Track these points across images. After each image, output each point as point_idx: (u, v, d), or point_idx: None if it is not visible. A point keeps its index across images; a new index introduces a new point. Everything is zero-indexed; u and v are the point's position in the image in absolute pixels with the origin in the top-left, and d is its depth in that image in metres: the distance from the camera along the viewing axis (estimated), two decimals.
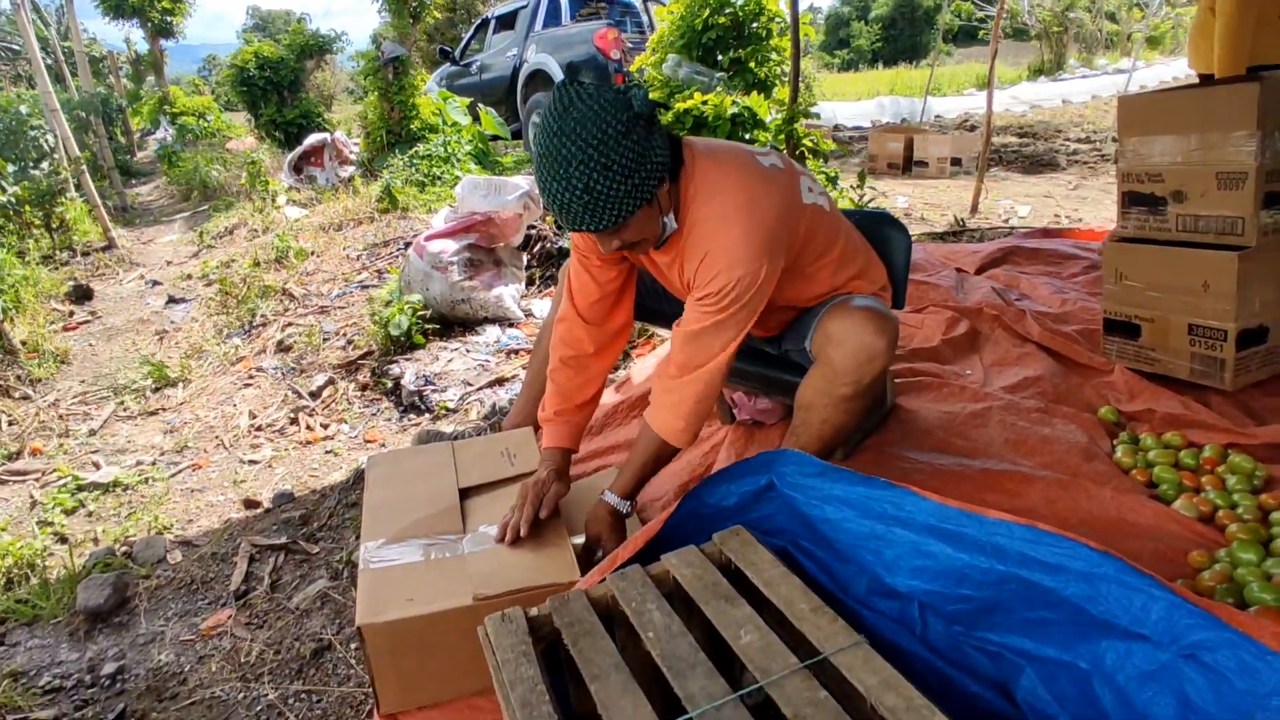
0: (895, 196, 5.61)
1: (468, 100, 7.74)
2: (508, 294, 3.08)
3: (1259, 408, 1.99)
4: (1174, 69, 17.65)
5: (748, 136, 2.83)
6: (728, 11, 3.18)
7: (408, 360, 2.86)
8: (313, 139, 7.41)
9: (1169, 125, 2.02)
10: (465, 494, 1.59)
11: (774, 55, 3.20)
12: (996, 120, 12.49)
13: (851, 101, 15.78)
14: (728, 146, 1.58)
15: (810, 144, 2.99)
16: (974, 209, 4.84)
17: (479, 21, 9.65)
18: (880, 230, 1.87)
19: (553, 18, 7.95)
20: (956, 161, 6.68)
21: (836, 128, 10.99)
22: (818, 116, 3.14)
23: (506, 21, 8.77)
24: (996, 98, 16.19)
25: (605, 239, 1.36)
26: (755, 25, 3.19)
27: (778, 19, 3.17)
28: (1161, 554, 1.50)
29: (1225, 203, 1.94)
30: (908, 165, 6.87)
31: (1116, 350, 2.25)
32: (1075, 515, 1.60)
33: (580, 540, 1.52)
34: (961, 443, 1.86)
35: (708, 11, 3.14)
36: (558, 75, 7.28)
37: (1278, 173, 1.89)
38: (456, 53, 9.38)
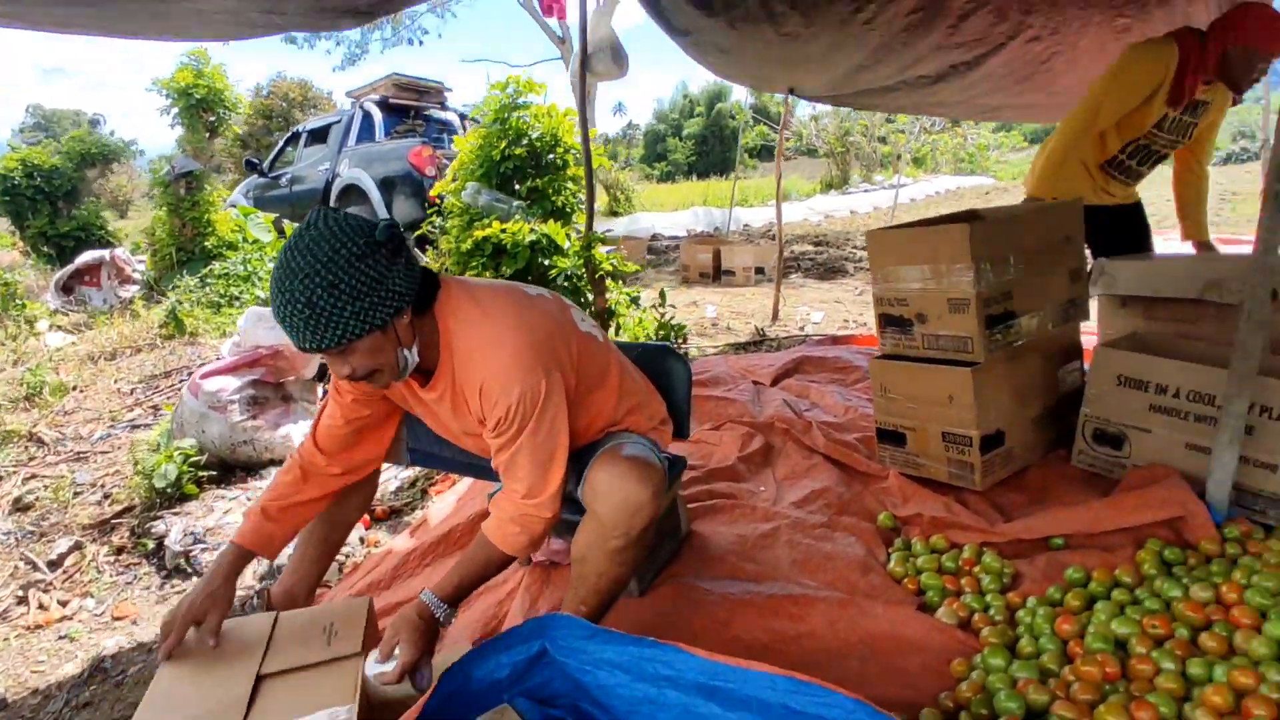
0: (706, 305, 5.94)
1: (273, 215, 7.44)
2: (297, 433, 2.87)
3: (1006, 504, 2.21)
4: (937, 184, 20.50)
5: (546, 263, 2.90)
6: (524, 143, 3.30)
7: (175, 515, 2.54)
8: (87, 256, 6.74)
9: (908, 257, 2.28)
10: (263, 681, 1.36)
11: (570, 184, 3.34)
12: (795, 229, 13.76)
13: (669, 212, 16.81)
14: (489, 280, 1.61)
15: (610, 267, 3.11)
16: (775, 316, 5.22)
17: (290, 134, 9.44)
18: (662, 362, 1.93)
19: (367, 133, 7.94)
20: (760, 270, 7.24)
21: (654, 237, 11.63)
22: (617, 241, 3.28)
23: (319, 135, 8.64)
24: (795, 209, 17.91)
25: (334, 362, 1.33)
26: (552, 155, 3.33)
27: (573, 150, 3.33)
28: (929, 666, 1.58)
29: (957, 324, 2.19)
30: (717, 274, 7.35)
31: (889, 457, 2.44)
32: (855, 633, 1.66)
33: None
34: (752, 567, 1.90)
35: (504, 143, 3.24)
36: (372, 190, 7.21)
37: (994, 299, 2.17)
38: (265, 164, 9.07)
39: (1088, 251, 2.66)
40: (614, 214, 15.23)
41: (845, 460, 2.50)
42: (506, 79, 3.28)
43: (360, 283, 1.24)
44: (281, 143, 9.36)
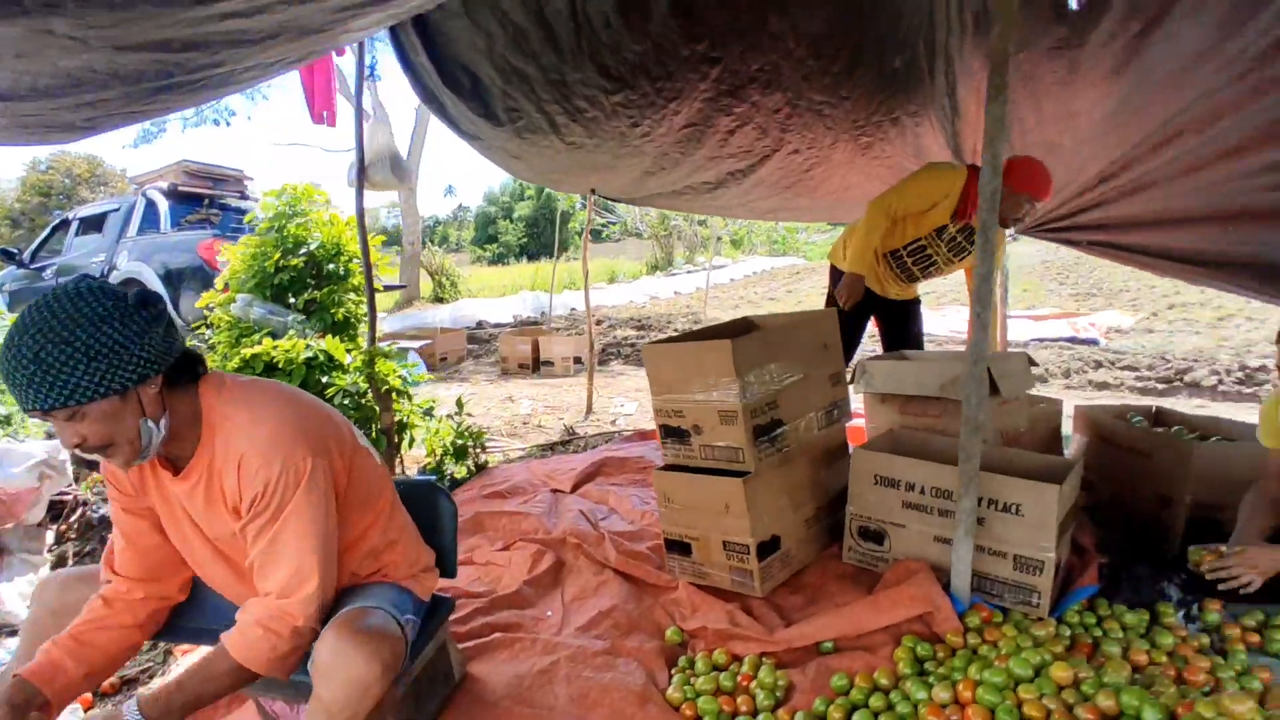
0: (522, 400, 5.86)
1: None
2: (11, 591, 2.43)
3: (786, 606, 2.26)
4: (753, 264, 21.98)
5: (325, 380, 2.72)
6: (303, 252, 3.13)
7: None
8: None
9: (681, 370, 2.34)
10: None
11: (353, 294, 3.20)
12: (621, 312, 14.13)
13: (497, 298, 16.76)
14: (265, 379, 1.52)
15: (398, 382, 2.97)
16: (589, 410, 5.23)
17: (57, 221, 8.48)
18: (429, 499, 1.83)
19: (151, 222, 7.29)
20: (579, 359, 7.29)
21: (479, 325, 11.48)
22: (404, 353, 3.15)
23: (94, 223, 7.85)
24: (622, 291, 18.38)
25: (63, 429, 1.19)
26: (333, 265, 3.18)
27: (357, 258, 3.20)
28: None
29: (728, 435, 2.27)
30: (536, 364, 7.32)
31: (678, 567, 2.44)
32: None
33: None
34: (527, 711, 1.79)
35: (280, 253, 3.05)
36: (154, 284, 6.59)
37: (760, 409, 2.27)
38: (27, 254, 8.08)
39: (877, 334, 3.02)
40: (439, 300, 14.94)
41: (636, 574, 2.48)
42: (283, 186, 3.12)
43: (98, 343, 1.16)
44: (47, 230, 8.40)
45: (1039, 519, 2.03)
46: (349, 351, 2.85)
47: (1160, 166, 3.29)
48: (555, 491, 3.23)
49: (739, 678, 1.91)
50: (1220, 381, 5.26)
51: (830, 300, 3.36)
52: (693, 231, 24.28)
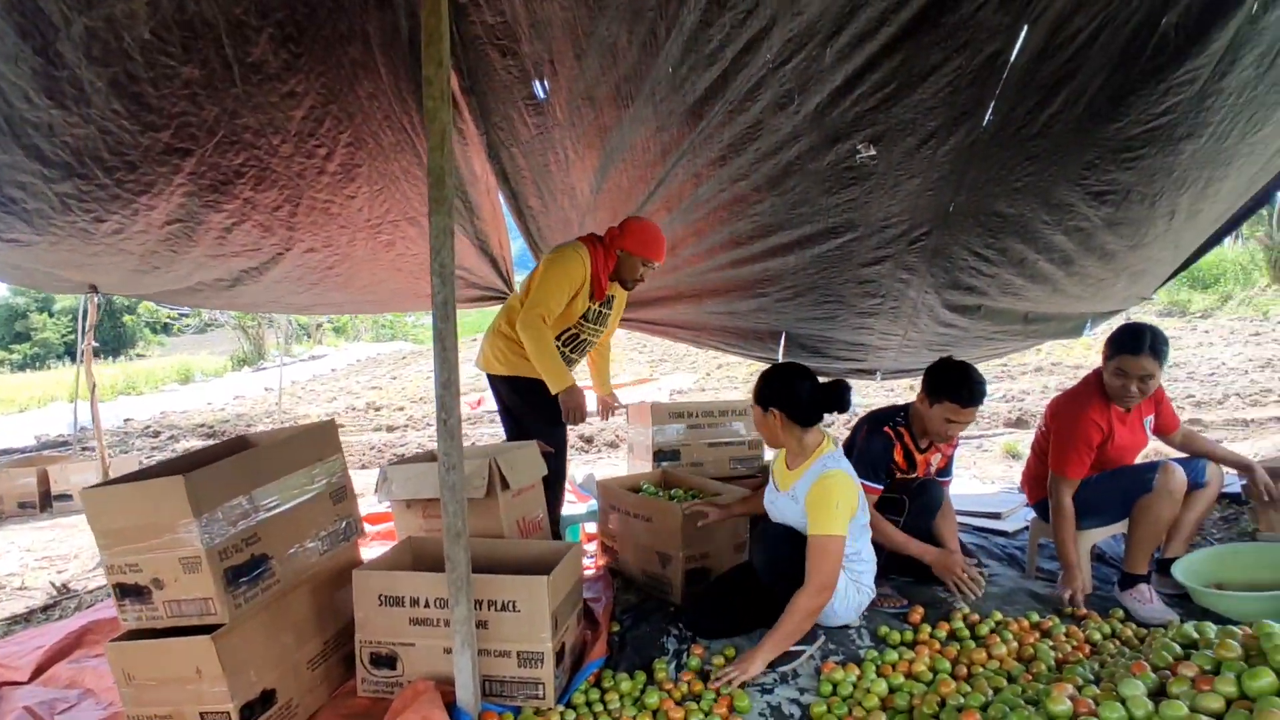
0: (4, 554, 4.56)
1: None
2: None
3: None
4: (357, 352, 20.93)
5: None
6: None
7: None
8: None
9: (133, 515, 1.95)
10: None
11: None
12: (193, 418, 12.24)
13: (17, 413, 13.34)
14: None
15: None
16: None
17: None
18: None
19: None
20: None
21: None
22: None
23: None
24: (199, 392, 16.04)
25: None
26: None
27: None
28: None
29: (195, 586, 1.93)
30: (46, 502, 5.83)
31: None
32: None
33: None
34: None
35: None
36: None
37: (234, 548, 1.98)
38: None
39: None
40: None
41: None
42: None
43: None
44: None
45: (532, 612, 2.08)
46: None
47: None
48: (2, 685, 2.47)
49: None
50: None
51: (534, 416, 3.19)
52: (288, 319, 22.40)
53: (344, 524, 2.39)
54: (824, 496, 2.28)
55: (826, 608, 2.37)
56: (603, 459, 7.60)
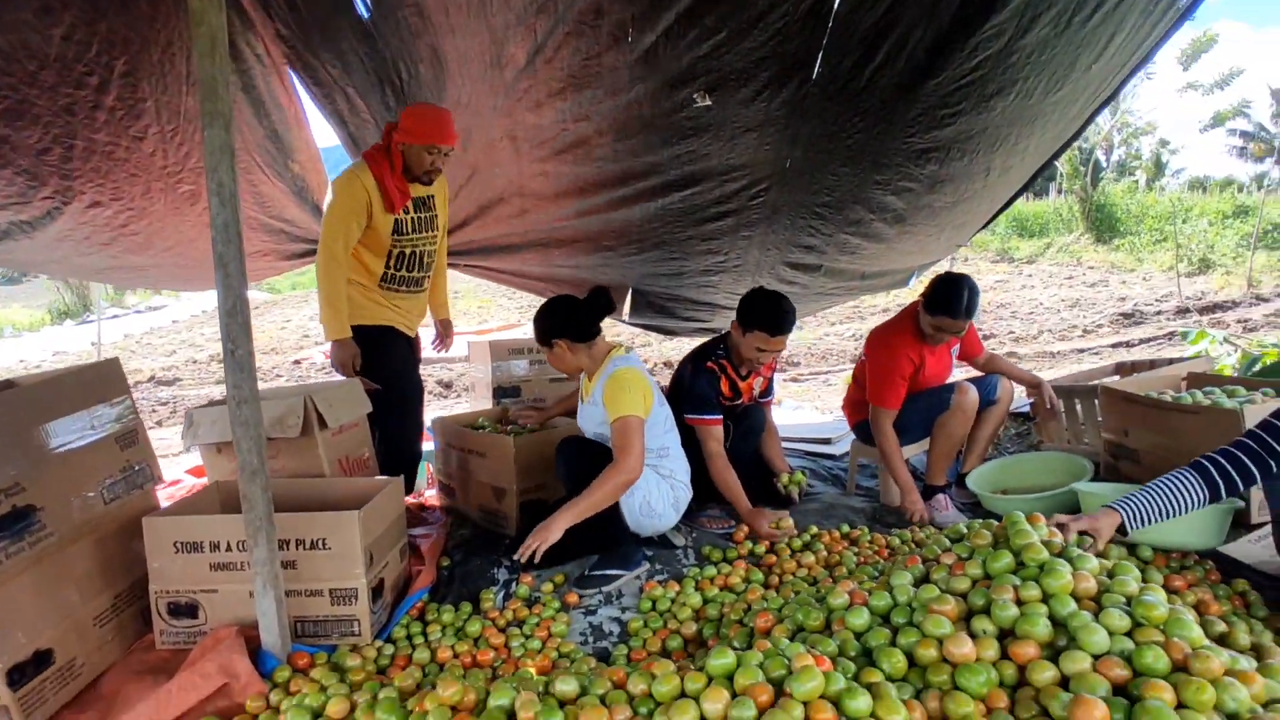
0: None
1: None
2: None
3: None
4: (202, 302, 19.33)
5: None
6: None
7: None
8: None
9: None
10: None
11: None
12: None
13: None
14: None
15: None
16: None
17: None
18: None
19: None
20: None
21: None
22: None
23: None
24: (11, 346, 14.32)
25: None
26: None
27: None
28: None
29: None
30: None
31: None
32: None
33: None
34: None
35: None
36: None
37: None
38: None
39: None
40: None
41: None
42: None
43: None
44: None
45: (344, 549, 2.02)
46: None
47: (503, 207, 3.77)
48: None
49: None
50: None
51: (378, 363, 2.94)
52: None
53: (134, 470, 2.20)
54: (616, 387, 2.38)
55: (646, 508, 2.49)
56: (461, 402, 7.46)
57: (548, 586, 2.42)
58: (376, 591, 2.12)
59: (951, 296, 2.87)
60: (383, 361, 2.93)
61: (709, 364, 2.96)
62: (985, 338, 10.31)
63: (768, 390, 3.22)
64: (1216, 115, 17.17)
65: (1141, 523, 1.83)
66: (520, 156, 3.34)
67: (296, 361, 11.18)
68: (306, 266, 4.25)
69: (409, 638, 2.13)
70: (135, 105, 2.55)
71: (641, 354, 9.14)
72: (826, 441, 4.14)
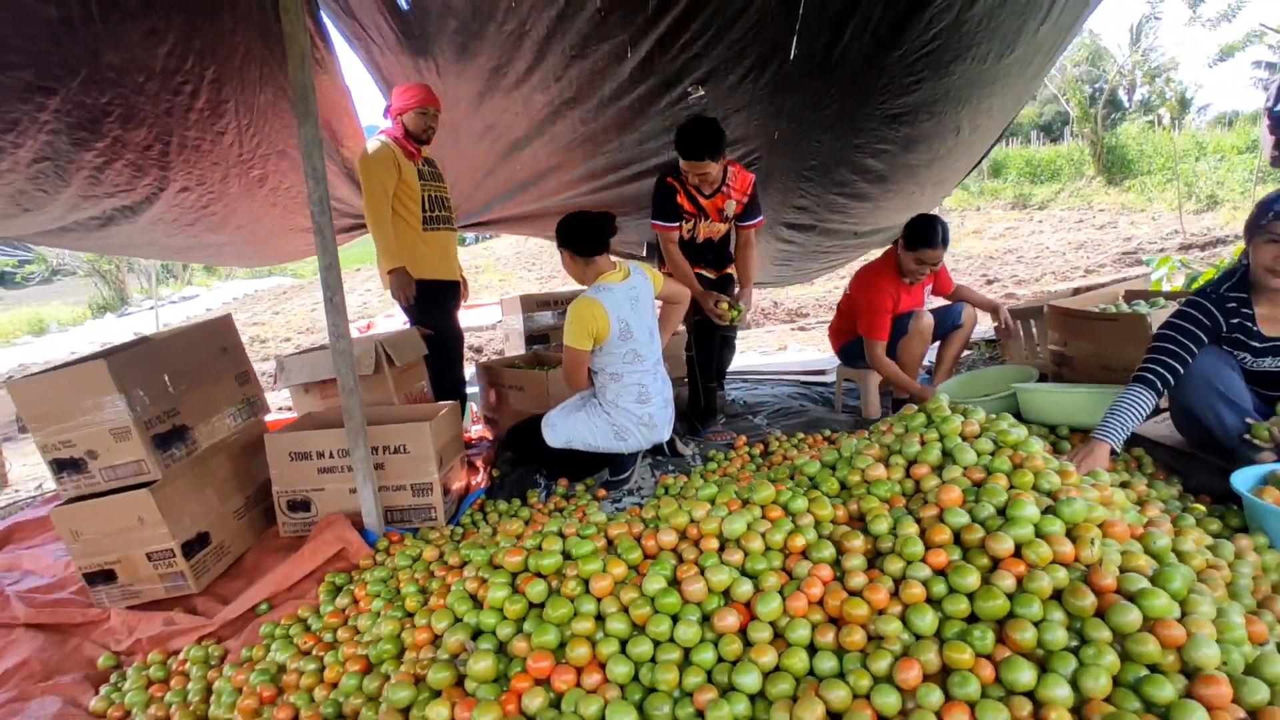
0: None
1: None
2: None
3: (229, 593, 2.42)
4: (233, 289, 20.07)
5: None
6: None
7: None
8: None
9: (60, 399, 2.27)
10: None
11: None
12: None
13: None
14: None
15: None
16: (3, 484, 4.42)
17: None
18: None
19: None
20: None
21: None
22: None
23: None
24: (57, 343, 15.13)
25: None
26: None
27: None
28: None
29: (127, 451, 2.30)
30: None
31: (106, 597, 2.40)
32: None
33: None
34: None
35: None
36: None
37: (158, 419, 2.36)
38: None
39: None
40: None
41: (58, 619, 2.35)
42: None
43: None
44: None
45: (420, 452, 2.58)
46: None
47: (524, 195, 4.30)
48: None
49: (175, 665, 2.04)
50: None
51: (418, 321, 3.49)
52: (152, 261, 21.04)
53: (250, 403, 2.78)
54: (571, 315, 2.67)
55: (592, 445, 2.85)
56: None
57: (580, 487, 2.96)
58: (445, 488, 2.68)
59: (927, 231, 3.32)
60: (433, 314, 3.48)
61: (669, 179, 3.38)
62: (990, 281, 10.67)
63: (746, 212, 3.50)
64: (1223, 48, 17.01)
65: (1121, 439, 2.21)
66: (537, 154, 3.88)
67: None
68: (350, 242, 4.78)
69: (473, 522, 2.70)
70: (219, 106, 3.08)
71: None
72: (821, 373, 4.65)
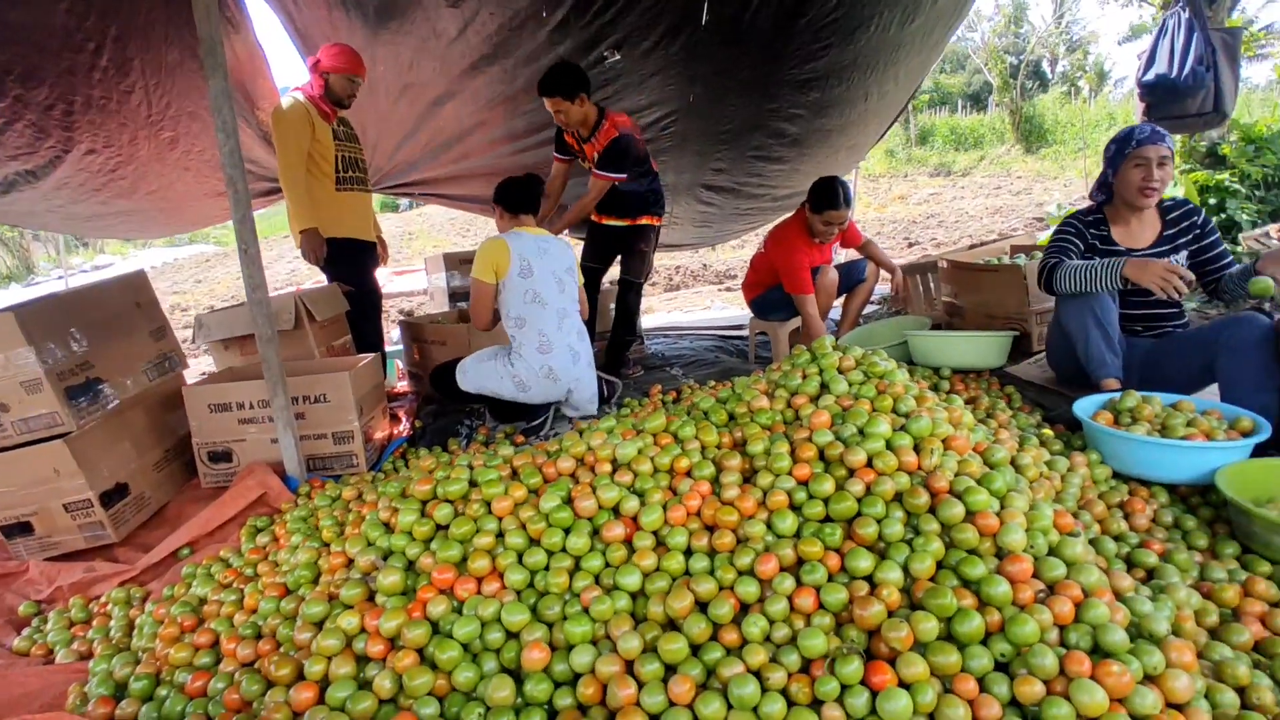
0: None
1: None
2: None
3: (151, 541, 2.48)
4: (149, 257, 19.23)
5: None
6: None
7: None
8: None
9: None
10: None
11: None
12: None
13: None
14: None
15: None
16: None
17: None
18: None
19: None
20: None
21: None
22: None
23: None
24: None
25: None
26: None
27: None
28: (50, 703, 1.74)
29: (40, 403, 2.32)
30: None
31: (24, 549, 2.43)
32: None
33: None
34: None
35: None
36: None
37: (71, 371, 2.38)
38: None
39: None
40: None
41: None
42: None
43: None
44: None
45: (340, 401, 2.66)
46: None
47: (448, 153, 4.31)
48: None
49: (96, 606, 2.11)
50: None
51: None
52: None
53: (167, 357, 2.81)
54: (478, 252, 2.88)
55: (499, 392, 2.97)
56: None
57: (500, 434, 3.09)
58: (367, 436, 2.77)
59: (830, 194, 3.51)
60: (350, 272, 3.52)
61: (564, 135, 3.63)
62: (911, 245, 11.09)
63: (598, 163, 3.55)
64: (1134, 27, 17.86)
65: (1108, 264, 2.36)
66: (461, 111, 3.91)
67: None
68: (266, 208, 4.72)
69: (395, 468, 2.80)
70: (124, 64, 3.02)
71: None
72: (740, 328, 4.86)
